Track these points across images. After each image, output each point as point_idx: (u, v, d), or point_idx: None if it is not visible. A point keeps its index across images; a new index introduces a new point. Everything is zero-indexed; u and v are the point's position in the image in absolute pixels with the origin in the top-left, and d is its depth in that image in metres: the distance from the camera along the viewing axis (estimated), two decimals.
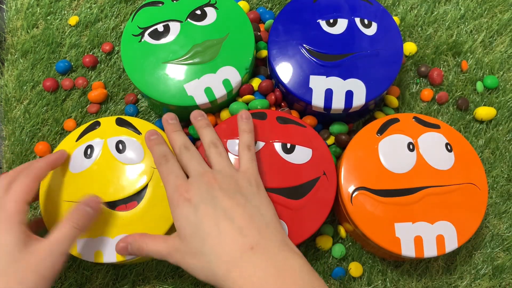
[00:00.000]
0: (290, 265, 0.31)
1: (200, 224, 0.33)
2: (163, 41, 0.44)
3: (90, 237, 0.38)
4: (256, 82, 0.46)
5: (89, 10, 0.52)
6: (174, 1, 0.46)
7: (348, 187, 0.39)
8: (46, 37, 0.51)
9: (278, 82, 0.44)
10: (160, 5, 0.46)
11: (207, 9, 0.45)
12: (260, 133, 0.41)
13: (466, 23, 0.52)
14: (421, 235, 0.38)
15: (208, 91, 0.42)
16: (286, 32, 0.45)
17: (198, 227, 0.33)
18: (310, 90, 0.43)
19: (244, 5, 0.51)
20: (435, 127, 0.42)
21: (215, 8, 0.45)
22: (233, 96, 0.45)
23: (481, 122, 0.48)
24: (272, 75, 0.45)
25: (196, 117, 0.41)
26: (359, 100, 0.42)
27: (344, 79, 0.43)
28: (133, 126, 0.41)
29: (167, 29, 0.44)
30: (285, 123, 0.41)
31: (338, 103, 0.42)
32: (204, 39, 0.44)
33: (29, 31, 0.51)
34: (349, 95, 0.42)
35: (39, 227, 0.40)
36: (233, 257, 0.31)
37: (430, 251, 0.38)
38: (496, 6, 0.53)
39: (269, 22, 0.50)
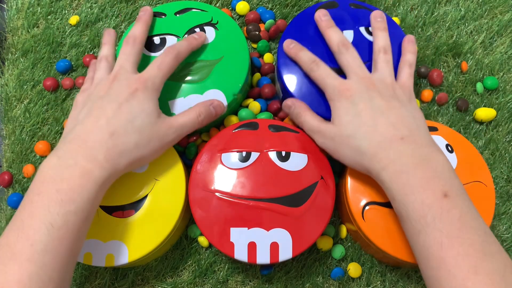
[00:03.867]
0: (433, 159, 0.33)
1: (358, 115, 0.36)
2: (157, 54, 0.43)
3: None
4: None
5: (89, 9, 0.52)
6: (177, 15, 0.45)
7: (358, 204, 0.39)
8: (47, 37, 0.51)
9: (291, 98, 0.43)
10: (163, 16, 0.45)
11: (207, 28, 0.44)
12: (254, 144, 0.41)
13: (466, 24, 0.52)
14: None
15: None
16: None
17: (355, 116, 0.36)
18: (327, 105, 0.40)
19: (244, 5, 0.51)
20: (433, 129, 0.42)
21: (215, 28, 0.44)
22: (226, 113, 0.43)
23: (481, 123, 0.48)
24: (286, 94, 0.43)
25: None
26: None
27: None
28: None
29: (163, 42, 0.43)
30: (278, 131, 0.41)
31: None
32: (197, 59, 0.43)
33: (29, 30, 0.51)
34: None
35: None
36: (383, 142, 0.34)
37: None
38: (497, 7, 0.53)
39: (269, 22, 0.50)
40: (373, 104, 0.36)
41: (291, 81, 0.42)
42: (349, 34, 0.44)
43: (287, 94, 0.43)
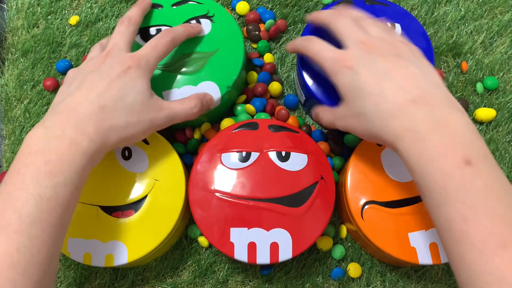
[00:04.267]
0: (452, 120, 0.30)
1: (362, 87, 0.33)
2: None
3: (82, 238, 0.38)
4: (271, 86, 0.47)
5: (89, 9, 0.52)
6: (174, 7, 0.45)
7: (357, 203, 0.39)
8: (47, 37, 0.51)
9: (318, 102, 0.43)
10: (160, 8, 0.45)
11: (202, 20, 0.44)
12: (254, 144, 0.41)
13: (466, 24, 0.52)
14: (436, 241, 0.38)
15: None
16: None
17: (359, 90, 0.33)
18: None
19: (244, 5, 0.51)
20: None
21: (211, 21, 0.44)
22: (213, 111, 0.43)
23: (481, 123, 0.48)
24: (311, 99, 0.44)
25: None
26: None
27: None
28: None
29: (159, 33, 0.44)
30: (278, 131, 0.41)
31: None
32: (192, 50, 0.43)
33: (29, 30, 0.51)
34: None
35: None
36: (394, 109, 0.31)
37: (445, 256, 0.37)
38: (497, 7, 0.53)
39: (269, 22, 0.50)
40: (376, 68, 0.33)
41: (312, 81, 0.43)
42: None
43: (309, 95, 0.43)
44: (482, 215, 0.27)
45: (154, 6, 0.45)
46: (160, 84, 0.42)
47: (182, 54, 0.43)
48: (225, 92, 0.42)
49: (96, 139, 0.33)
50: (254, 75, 0.48)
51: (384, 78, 0.32)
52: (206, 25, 0.44)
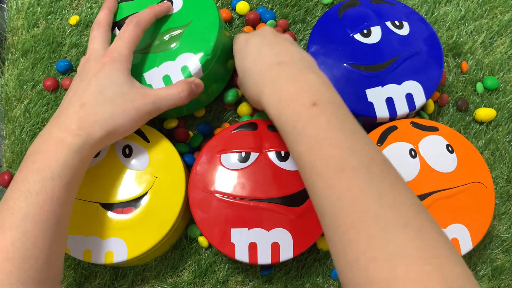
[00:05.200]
0: (304, 76, 0.35)
1: (247, 50, 0.39)
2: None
3: (82, 235, 0.38)
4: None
5: (89, 9, 0.52)
6: None
7: None
8: (47, 37, 0.51)
9: None
10: (132, 0, 0.45)
11: None
12: (253, 144, 0.41)
13: (466, 24, 0.52)
14: None
15: (166, 78, 0.41)
16: (325, 55, 0.44)
17: (245, 53, 0.39)
18: (370, 104, 0.42)
19: (244, 5, 0.51)
20: (434, 129, 0.42)
21: None
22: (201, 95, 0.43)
23: (481, 123, 0.48)
24: None
25: None
26: (420, 99, 0.42)
27: (400, 83, 0.42)
28: (143, 133, 0.41)
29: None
30: (277, 131, 0.41)
31: (402, 109, 0.42)
32: (166, 28, 0.43)
33: (29, 30, 0.51)
34: (409, 97, 0.42)
35: None
36: (263, 70, 0.36)
37: None
38: (497, 7, 0.53)
39: (270, 22, 0.50)
40: (263, 39, 0.39)
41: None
42: (376, 30, 0.44)
43: None
44: (325, 145, 0.30)
45: None
46: (140, 66, 0.42)
47: (157, 33, 0.43)
48: (205, 61, 0.41)
49: (80, 133, 0.34)
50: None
51: (265, 46, 0.38)
52: (177, 2, 0.44)
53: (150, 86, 0.41)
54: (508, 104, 0.49)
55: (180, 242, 0.44)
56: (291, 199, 0.39)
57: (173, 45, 0.42)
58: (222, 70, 0.45)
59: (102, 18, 0.41)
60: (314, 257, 0.43)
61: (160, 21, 0.43)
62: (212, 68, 0.42)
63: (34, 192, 0.31)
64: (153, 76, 0.41)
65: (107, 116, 0.35)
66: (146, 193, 0.39)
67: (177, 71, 0.41)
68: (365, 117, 0.42)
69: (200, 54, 0.41)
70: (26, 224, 0.30)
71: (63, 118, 0.35)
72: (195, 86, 0.40)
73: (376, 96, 0.42)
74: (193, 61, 0.41)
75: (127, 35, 0.39)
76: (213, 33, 0.41)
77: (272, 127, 0.41)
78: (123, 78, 0.37)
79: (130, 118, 0.36)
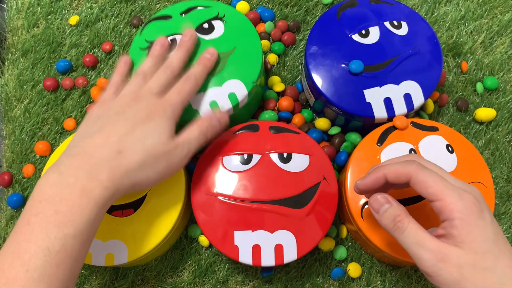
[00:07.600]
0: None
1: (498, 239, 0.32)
2: (170, 54, 0.43)
3: None
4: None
5: (89, 9, 0.52)
6: (183, 15, 0.45)
7: (357, 203, 0.39)
8: (47, 37, 0.51)
9: (331, 105, 0.43)
10: (169, 19, 0.45)
11: (214, 22, 0.44)
12: (255, 146, 0.41)
13: (466, 24, 0.52)
14: None
15: (213, 104, 0.41)
16: (324, 56, 0.44)
17: (495, 243, 0.32)
18: (369, 104, 0.42)
19: (244, 5, 0.51)
20: (433, 129, 0.42)
21: (223, 21, 0.44)
22: (240, 110, 0.43)
23: (481, 123, 0.48)
24: (326, 103, 0.44)
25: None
26: (418, 99, 0.42)
27: (398, 83, 0.43)
28: None
29: (173, 42, 0.43)
30: (279, 132, 0.41)
31: (400, 109, 0.42)
32: None
33: (29, 30, 0.51)
34: (407, 97, 0.42)
35: None
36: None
37: None
38: (497, 7, 0.53)
39: (270, 22, 0.50)
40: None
41: (321, 81, 0.43)
42: (375, 30, 0.44)
43: (318, 94, 0.44)
44: None
45: (163, 17, 0.45)
46: None
47: None
48: (251, 88, 0.42)
49: (109, 186, 0.32)
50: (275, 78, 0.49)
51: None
52: (219, 27, 0.44)
53: (196, 111, 0.41)
54: (508, 104, 0.49)
55: (180, 242, 0.44)
56: (294, 201, 0.39)
57: (218, 71, 0.42)
58: (260, 91, 0.46)
59: (177, 62, 0.40)
60: (314, 257, 0.43)
61: (203, 45, 0.43)
62: (256, 92, 0.43)
63: (54, 251, 0.29)
64: (199, 101, 0.41)
65: (137, 166, 0.33)
66: (145, 195, 0.39)
67: (225, 98, 0.41)
68: (363, 118, 0.42)
69: (247, 81, 0.42)
70: (40, 284, 0.28)
71: (94, 159, 0.32)
72: (218, 119, 0.39)
73: (374, 96, 0.42)
74: (240, 88, 0.41)
75: (184, 93, 0.38)
76: (258, 60, 0.43)
77: (274, 129, 0.41)
78: (168, 134, 0.35)
79: (159, 170, 0.35)
